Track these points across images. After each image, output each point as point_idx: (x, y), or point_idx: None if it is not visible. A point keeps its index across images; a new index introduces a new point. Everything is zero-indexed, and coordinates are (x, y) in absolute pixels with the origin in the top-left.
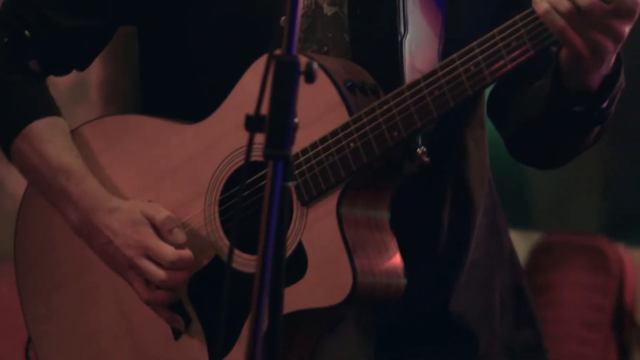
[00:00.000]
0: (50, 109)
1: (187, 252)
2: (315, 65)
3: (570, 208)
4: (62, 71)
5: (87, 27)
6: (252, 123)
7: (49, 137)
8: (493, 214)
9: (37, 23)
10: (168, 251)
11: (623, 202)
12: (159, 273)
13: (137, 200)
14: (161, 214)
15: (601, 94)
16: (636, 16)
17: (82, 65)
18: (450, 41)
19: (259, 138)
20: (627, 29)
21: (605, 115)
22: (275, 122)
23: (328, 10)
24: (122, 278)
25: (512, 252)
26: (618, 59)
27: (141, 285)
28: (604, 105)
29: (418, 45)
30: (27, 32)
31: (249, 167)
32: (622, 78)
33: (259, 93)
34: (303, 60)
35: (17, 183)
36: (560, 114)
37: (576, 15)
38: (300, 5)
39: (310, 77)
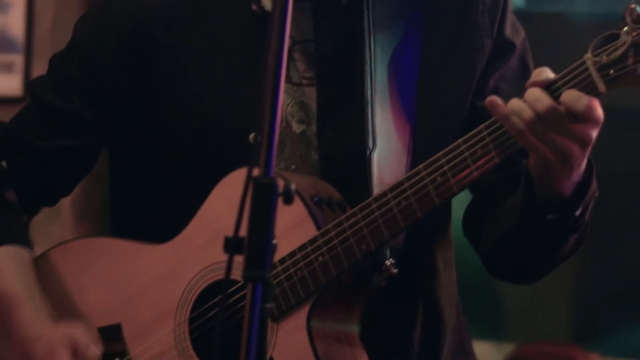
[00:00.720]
0: (15, 237)
1: None
2: (293, 187)
3: (542, 317)
4: (40, 200)
5: (65, 149)
6: (231, 245)
7: (3, 266)
8: (460, 333)
9: (15, 151)
10: None
11: (595, 310)
12: None
13: (62, 324)
14: (76, 333)
15: (574, 201)
16: (595, 119)
17: (60, 194)
18: (419, 154)
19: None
20: (591, 132)
21: (579, 223)
22: (254, 244)
23: (296, 128)
24: None
25: None
26: (589, 166)
27: None
28: (577, 213)
29: (386, 159)
30: (3, 163)
31: (218, 285)
32: (594, 185)
33: (238, 214)
34: (280, 181)
35: None
36: (533, 223)
37: (537, 120)
38: (278, 126)
39: (288, 199)
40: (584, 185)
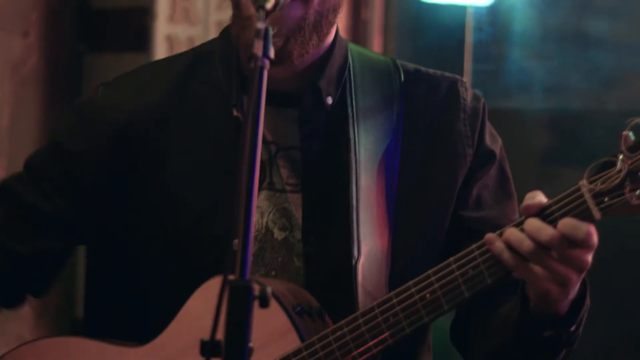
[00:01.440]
0: None
1: None
2: (269, 290)
3: None
4: (15, 300)
5: (44, 252)
6: (208, 348)
7: None
8: None
9: None
10: None
11: None
12: None
13: None
14: None
15: (569, 318)
16: (592, 245)
17: (39, 292)
18: (398, 262)
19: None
20: (588, 258)
21: (573, 337)
22: (230, 347)
23: (278, 235)
24: None
25: None
26: (583, 282)
27: None
28: (572, 328)
29: (369, 267)
30: None
31: None
32: (588, 300)
33: (214, 317)
34: (257, 285)
35: None
36: (529, 339)
37: (537, 250)
38: (253, 230)
39: (264, 302)
40: (578, 301)
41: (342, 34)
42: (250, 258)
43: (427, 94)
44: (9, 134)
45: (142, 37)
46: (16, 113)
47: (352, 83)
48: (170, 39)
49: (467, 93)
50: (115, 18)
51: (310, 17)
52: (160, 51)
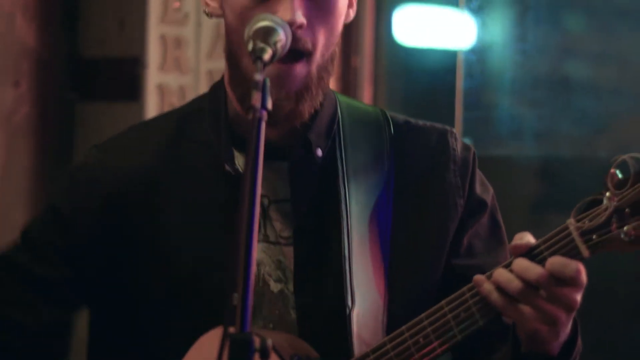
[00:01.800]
0: None
1: None
2: (269, 343)
3: None
4: None
5: (49, 323)
6: None
7: None
8: None
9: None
10: None
11: None
12: None
13: None
14: None
15: (561, 359)
16: (581, 283)
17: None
18: (394, 311)
19: None
20: (577, 297)
21: None
22: None
23: (274, 287)
24: None
25: None
26: (574, 323)
27: None
28: None
29: (364, 316)
30: None
31: None
32: (579, 341)
33: None
34: (257, 338)
35: None
36: None
37: (525, 289)
38: (253, 283)
39: (264, 355)
40: (570, 343)
41: (333, 82)
42: (251, 311)
43: (417, 146)
44: (1, 182)
45: (133, 86)
46: (8, 163)
47: (342, 137)
48: (161, 88)
49: (457, 143)
50: (106, 67)
51: (314, 73)
52: (152, 100)
